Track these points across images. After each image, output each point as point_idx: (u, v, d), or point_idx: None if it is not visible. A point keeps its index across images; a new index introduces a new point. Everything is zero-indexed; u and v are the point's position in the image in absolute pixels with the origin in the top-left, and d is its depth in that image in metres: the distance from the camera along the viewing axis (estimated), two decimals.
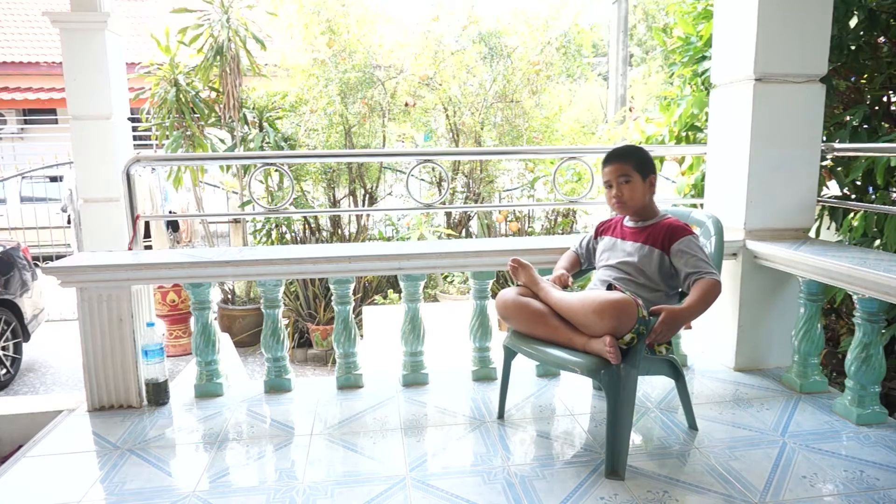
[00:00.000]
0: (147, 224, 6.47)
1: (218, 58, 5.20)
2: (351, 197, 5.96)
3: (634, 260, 2.04)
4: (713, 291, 1.88)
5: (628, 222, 2.16)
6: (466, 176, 6.15)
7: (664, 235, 2.02)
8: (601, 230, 2.28)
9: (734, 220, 2.61)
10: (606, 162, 2.11)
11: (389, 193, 6.59)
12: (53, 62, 10.92)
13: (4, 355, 4.65)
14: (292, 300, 5.42)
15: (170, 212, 7.33)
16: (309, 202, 5.70)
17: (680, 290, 2.05)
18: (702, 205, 2.94)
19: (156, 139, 5.57)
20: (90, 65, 3.66)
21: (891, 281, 1.89)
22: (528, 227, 6.16)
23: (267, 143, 5.43)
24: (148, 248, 5.20)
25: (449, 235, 5.88)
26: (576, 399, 2.41)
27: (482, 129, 5.99)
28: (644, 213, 2.12)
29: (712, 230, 2.18)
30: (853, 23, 2.97)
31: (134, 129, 4.47)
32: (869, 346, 2.14)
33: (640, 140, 3.81)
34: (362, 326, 4.37)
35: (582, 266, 2.33)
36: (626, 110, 7.81)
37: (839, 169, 3.02)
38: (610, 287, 2.00)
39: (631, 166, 2.06)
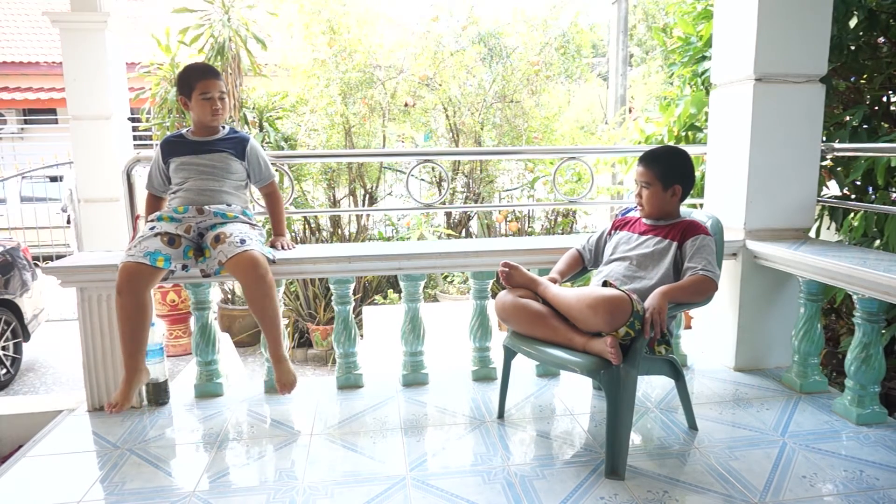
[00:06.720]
0: None
1: (219, 58, 5.18)
2: (351, 197, 5.95)
3: (649, 250, 2.08)
4: (706, 285, 1.95)
5: (647, 220, 2.20)
6: (466, 176, 6.15)
7: (682, 230, 2.08)
8: (619, 225, 2.30)
9: (734, 220, 2.61)
10: (638, 162, 2.18)
11: (389, 193, 6.59)
12: (53, 62, 10.91)
13: (4, 355, 4.65)
14: (292, 300, 5.42)
15: None
16: (309, 202, 5.70)
17: None
18: (701, 205, 2.94)
19: (156, 139, 5.56)
20: (90, 65, 3.67)
21: (891, 281, 1.90)
22: (528, 227, 6.15)
23: (267, 143, 5.43)
24: None
25: (449, 235, 5.88)
26: (576, 399, 2.41)
27: (482, 129, 5.99)
28: (665, 217, 2.17)
29: (712, 230, 2.18)
30: (853, 23, 2.97)
31: (134, 129, 4.46)
32: (869, 346, 2.14)
33: (640, 140, 3.80)
34: (362, 326, 4.37)
35: (585, 265, 2.33)
36: (625, 110, 7.81)
37: (839, 169, 3.02)
38: (605, 284, 2.00)
39: (655, 174, 2.12)
